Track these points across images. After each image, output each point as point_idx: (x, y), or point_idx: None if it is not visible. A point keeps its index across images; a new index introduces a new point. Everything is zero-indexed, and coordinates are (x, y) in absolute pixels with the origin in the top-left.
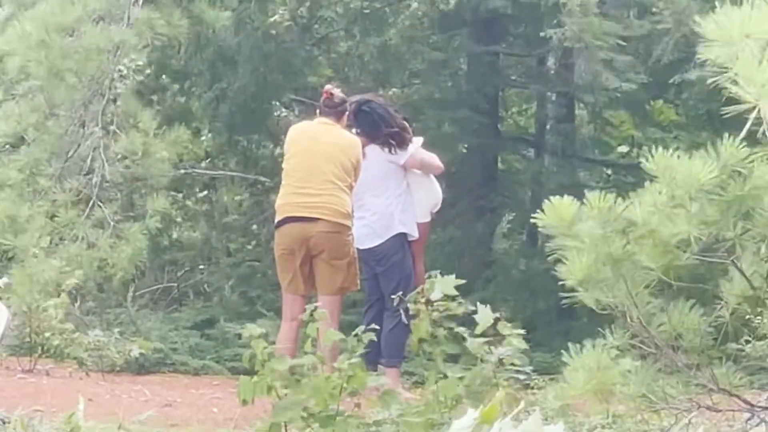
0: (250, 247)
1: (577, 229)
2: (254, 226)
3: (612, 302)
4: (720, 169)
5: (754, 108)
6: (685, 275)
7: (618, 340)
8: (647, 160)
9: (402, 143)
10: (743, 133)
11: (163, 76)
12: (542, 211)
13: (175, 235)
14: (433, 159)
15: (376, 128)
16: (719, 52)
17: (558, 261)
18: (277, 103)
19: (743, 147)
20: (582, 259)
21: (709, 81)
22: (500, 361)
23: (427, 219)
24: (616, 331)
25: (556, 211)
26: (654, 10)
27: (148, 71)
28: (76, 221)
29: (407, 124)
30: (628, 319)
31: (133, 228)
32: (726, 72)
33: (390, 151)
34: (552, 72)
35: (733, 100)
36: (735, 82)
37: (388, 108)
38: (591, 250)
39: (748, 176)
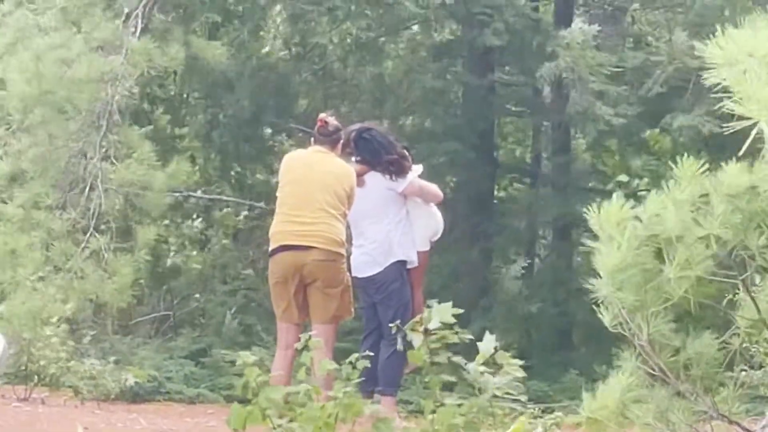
0: (245, 274)
1: (620, 231)
2: (250, 253)
3: (625, 319)
4: (750, 181)
5: (755, 125)
6: (699, 296)
7: (629, 363)
8: (675, 167)
9: (401, 171)
10: (744, 149)
11: (158, 105)
12: (592, 208)
13: (169, 263)
14: (432, 187)
15: (377, 156)
16: (725, 74)
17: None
18: (272, 131)
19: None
20: (621, 251)
21: (716, 107)
22: (497, 390)
23: (427, 248)
24: (625, 356)
25: (608, 211)
26: (649, 40)
27: (145, 103)
28: (71, 252)
29: (407, 153)
30: (636, 340)
31: (122, 260)
32: (731, 95)
33: (390, 179)
34: (547, 102)
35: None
36: (739, 103)
37: (388, 136)
38: (629, 251)
39: None
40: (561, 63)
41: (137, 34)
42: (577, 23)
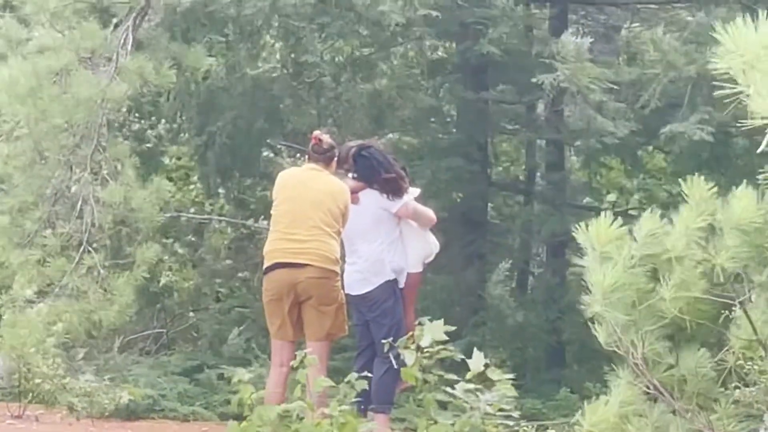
0: (239, 292)
1: (614, 248)
2: (245, 272)
3: (619, 337)
4: (763, 212)
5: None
6: (693, 316)
7: (625, 379)
8: (684, 185)
9: (398, 191)
10: (763, 147)
11: (152, 122)
12: (581, 227)
13: (163, 281)
14: (426, 211)
15: (374, 173)
16: (734, 62)
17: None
18: (266, 149)
19: None
20: (615, 271)
21: (717, 93)
22: (489, 408)
23: (419, 269)
24: (623, 372)
25: (598, 229)
26: (646, 55)
27: (137, 120)
28: (65, 269)
29: (405, 173)
30: (631, 357)
31: (121, 280)
32: (737, 86)
33: (386, 198)
34: (542, 119)
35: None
36: (746, 95)
37: (386, 155)
38: (623, 270)
39: None
40: (560, 75)
41: (128, 46)
42: (568, 35)
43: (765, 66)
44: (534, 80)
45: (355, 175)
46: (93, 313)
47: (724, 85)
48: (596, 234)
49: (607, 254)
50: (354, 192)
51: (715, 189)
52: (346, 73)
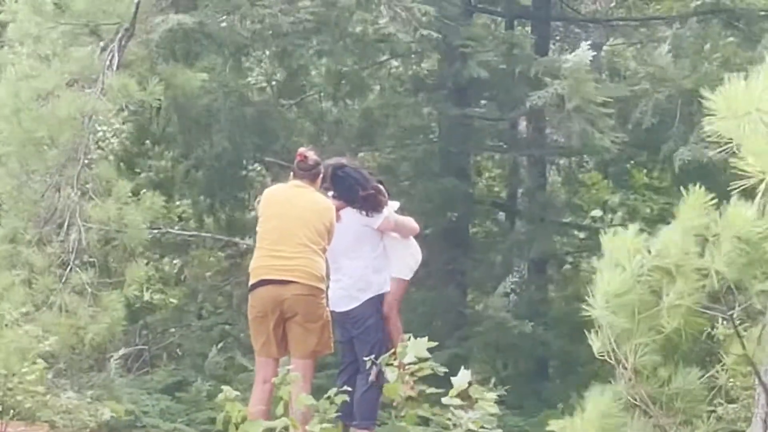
0: (222, 309)
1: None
2: (227, 288)
3: (613, 347)
4: (762, 225)
5: (761, 181)
6: (692, 329)
7: (610, 391)
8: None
9: (377, 206)
10: (755, 207)
11: (137, 140)
12: (608, 233)
13: (146, 298)
14: (408, 221)
15: (352, 192)
16: (725, 125)
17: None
18: (253, 165)
19: None
20: (623, 277)
21: (710, 154)
22: (472, 425)
23: (408, 277)
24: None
25: (623, 238)
26: (628, 72)
27: (124, 136)
28: (53, 287)
29: (382, 187)
30: (621, 369)
31: (111, 296)
32: (730, 144)
33: (366, 215)
34: (524, 136)
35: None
36: (739, 156)
37: (362, 171)
38: (631, 277)
39: None
40: (552, 90)
41: (113, 67)
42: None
43: (756, 126)
44: (530, 95)
45: (335, 195)
46: (81, 330)
47: (717, 142)
48: (620, 243)
49: (619, 262)
50: (336, 210)
51: (714, 200)
52: (335, 91)
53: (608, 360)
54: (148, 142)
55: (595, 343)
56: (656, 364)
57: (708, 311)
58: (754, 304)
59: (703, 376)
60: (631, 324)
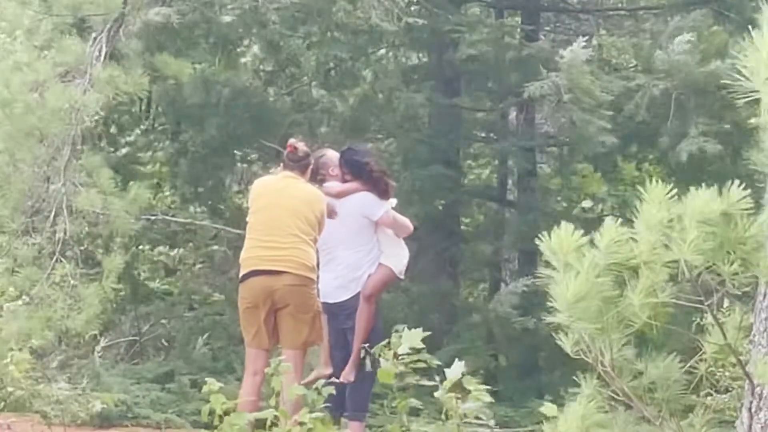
0: (212, 300)
1: (577, 258)
2: (217, 279)
3: (587, 344)
4: (724, 208)
5: None
6: (662, 322)
7: (589, 389)
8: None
9: (386, 191)
10: None
11: (125, 131)
12: (544, 236)
13: (137, 288)
14: (404, 220)
15: (363, 168)
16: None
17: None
18: (242, 156)
19: (747, 197)
20: (578, 281)
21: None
22: (464, 415)
23: (398, 271)
24: (588, 380)
25: (560, 238)
26: (622, 64)
27: (112, 128)
28: (36, 278)
29: (388, 174)
30: (600, 366)
31: (90, 290)
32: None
33: (377, 197)
34: (515, 126)
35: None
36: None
37: (373, 154)
38: (587, 279)
39: (750, 224)
40: (551, 82)
41: (102, 58)
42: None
43: None
44: (526, 85)
45: (346, 172)
46: (59, 322)
47: (735, 84)
48: (558, 243)
49: (569, 264)
50: (346, 193)
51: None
52: (326, 81)
53: (584, 358)
54: (137, 131)
55: (567, 345)
56: (633, 356)
57: (685, 303)
58: (730, 290)
59: (683, 366)
60: (600, 324)
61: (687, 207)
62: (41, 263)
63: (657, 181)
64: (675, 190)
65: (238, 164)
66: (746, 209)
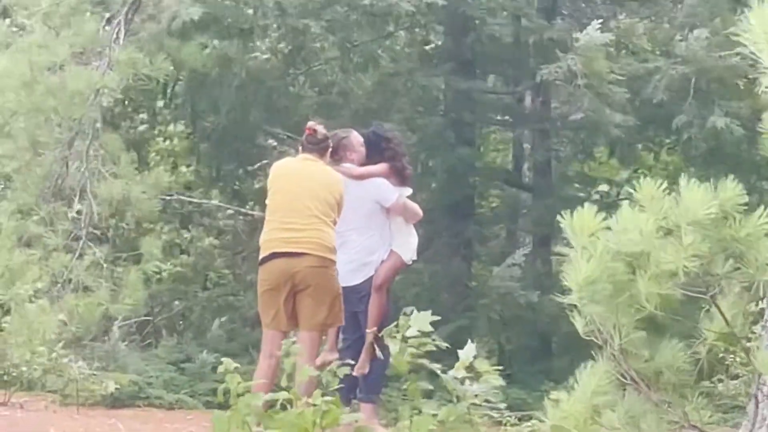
0: (227, 281)
1: (592, 241)
2: (232, 260)
3: (598, 327)
4: (718, 207)
5: None
6: (669, 310)
7: (604, 366)
8: (635, 190)
9: (405, 176)
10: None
11: (142, 111)
12: (566, 215)
13: (151, 268)
14: (414, 207)
15: (380, 149)
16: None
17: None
18: (261, 138)
19: (742, 193)
20: (591, 264)
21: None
22: (475, 398)
23: (407, 259)
24: (597, 363)
25: (582, 219)
26: (635, 48)
27: (130, 109)
28: (69, 265)
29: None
30: (609, 349)
31: (132, 275)
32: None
33: (394, 182)
34: (530, 110)
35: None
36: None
37: (397, 136)
38: (600, 263)
39: (744, 221)
40: (566, 65)
41: (120, 40)
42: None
43: None
44: (541, 68)
45: (368, 146)
46: (101, 306)
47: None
48: (579, 225)
49: (585, 247)
50: (362, 177)
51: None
52: (343, 63)
53: (594, 340)
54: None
55: (579, 324)
56: (642, 340)
57: (685, 292)
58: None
59: (691, 352)
60: (611, 308)
61: (680, 208)
62: (70, 246)
63: (661, 171)
64: (693, 179)
65: (256, 145)
66: (741, 205)
